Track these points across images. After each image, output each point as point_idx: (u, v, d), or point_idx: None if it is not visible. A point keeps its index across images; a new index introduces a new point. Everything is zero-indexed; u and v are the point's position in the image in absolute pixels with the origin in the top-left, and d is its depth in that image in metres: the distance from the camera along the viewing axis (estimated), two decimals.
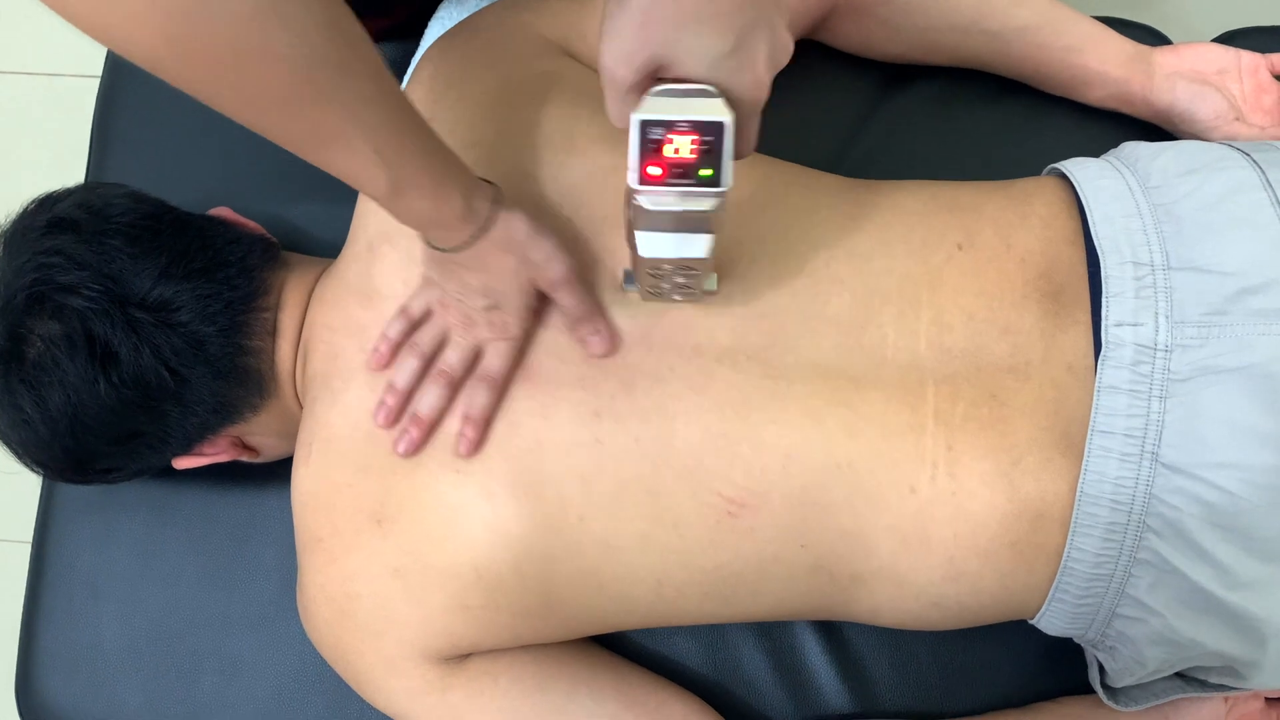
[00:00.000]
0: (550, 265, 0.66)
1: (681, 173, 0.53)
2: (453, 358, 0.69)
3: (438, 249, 0.65)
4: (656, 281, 0.63)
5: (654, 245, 0.58)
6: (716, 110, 0.53)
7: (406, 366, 0.70)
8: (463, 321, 0.69)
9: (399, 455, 0.69)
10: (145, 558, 0.90)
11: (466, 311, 0.68)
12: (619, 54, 0.53)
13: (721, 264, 0.69)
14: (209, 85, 0.49)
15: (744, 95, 0.54)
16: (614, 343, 0.68)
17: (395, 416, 0.70)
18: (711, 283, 0.67)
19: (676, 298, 0.65)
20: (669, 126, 0.53)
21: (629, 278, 0.67)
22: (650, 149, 0.53)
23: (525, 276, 0.66)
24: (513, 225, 0.65)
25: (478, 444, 0.68)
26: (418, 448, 0.69)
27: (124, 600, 0.90)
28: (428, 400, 0.69)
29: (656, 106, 0.53)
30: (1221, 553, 0.62)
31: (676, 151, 0.53)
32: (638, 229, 0.57)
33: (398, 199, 0.59)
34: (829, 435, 0.66)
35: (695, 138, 0.53)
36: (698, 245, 0.57)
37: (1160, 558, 0.64)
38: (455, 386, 0.69)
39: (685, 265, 0.59)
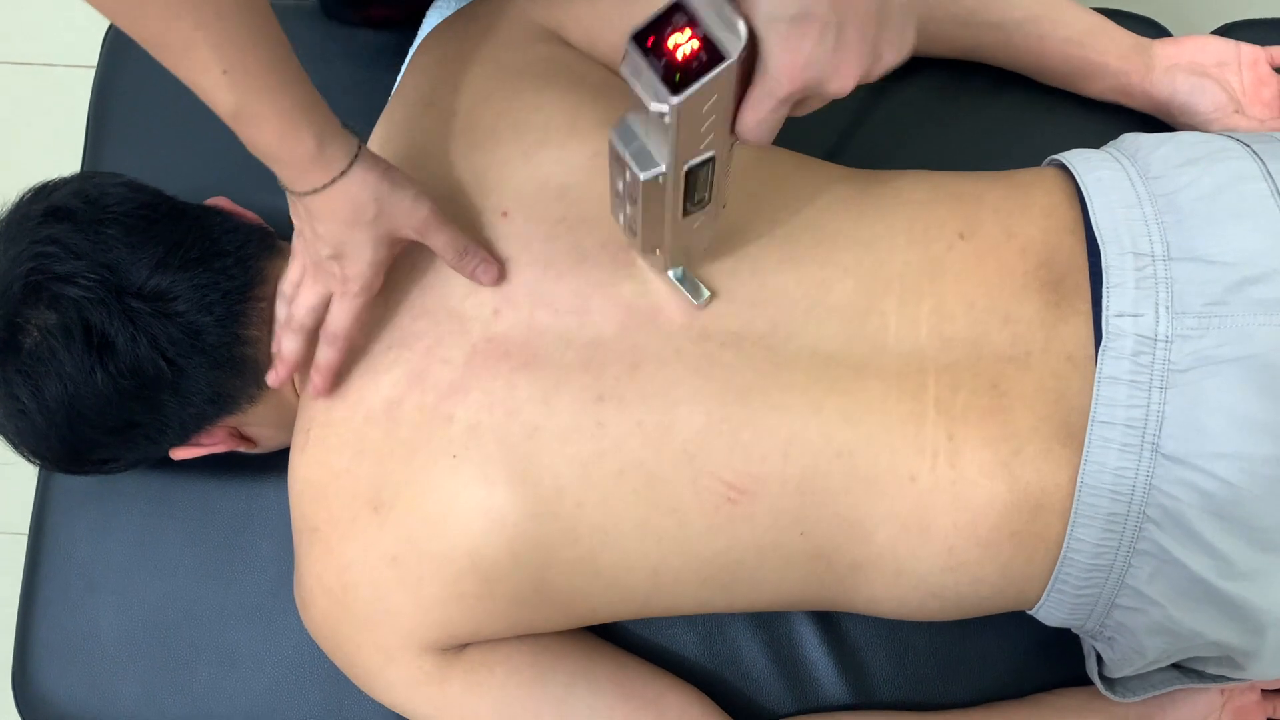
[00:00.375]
0: (415, 212, 0.66)
1: (663, 62, 0.52)
2: (300, 305, 0.71)
3: (290, 190, 0.65)
4: (616, 195, 0.62)
5: (621, 135, 0.57)
6: (733, 46, 0.52)
7: (279, 310, 0.74)
8: (312, 268, 0.70)
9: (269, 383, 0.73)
10: (142, 549, 0.90)
11: (315, 258, 0.68)
12: None
13: (724, 250, 0.69)
14: None
15: (767, 64, 0.53)
16: (501, 268, 0.70)
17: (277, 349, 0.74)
18: (701, 294, 0.67)
19: (627, 235, 0.64)
20: (693, 22, 0.52)
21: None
22: (665, 24, 0.52)
23: (384, 229, 0.66)
24: (369, 180, 0.64)
25: (323, 390, 0.71)
26: (279, 381, 0.74)
27: (121, 591, 0.89)
28: (285, 344, 0.73)
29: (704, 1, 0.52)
30: (1221, 543, 0.62)
31: (676, 45, 0.52)
32: (628, 112, 0.57)
33: (242, 126, 0.59)
34: (828, 422, 0.66)
35: (698, 46, 0.52)
36: (644, 164, 0.56)
37: (1160, 548, 0.64)
38: (305, 333, 0.72)
39: (630, 185, 0.58)
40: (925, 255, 0.69)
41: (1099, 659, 0.75)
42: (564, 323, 0.69)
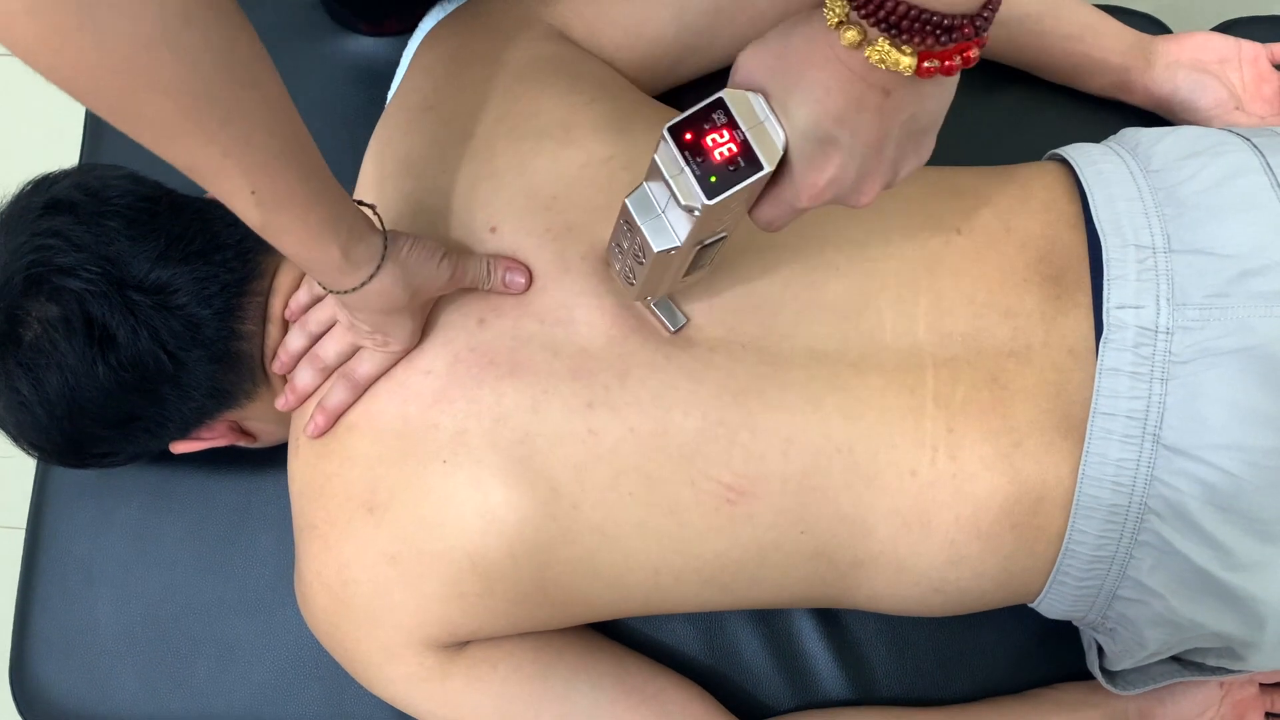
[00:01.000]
0: (440, 276, 0.67)
1: (700, 159, 0.53)
2: (329, 349, 0.72)
3: (324, 288, 0.66)
4: (616, 244, 0.62)
5: (639, 202, 0.57)
6: (770, 155, 0.53)
7: (294, 338, 0.75)
8: (347, 325, 0.70)
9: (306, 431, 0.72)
10: (141, 542, 0.90)
11: (353, 330, 0.69)
12: (749, 63, 0.53)
13: (695, 284, 0.69)
14: (92, 101, 0.49)
15: (793, 176, 0.54)
16: (524, 267, 0.70)
17: (286, 370, 0.76)
18: (678, 321, 0.68)
19: (622, 281, 0.65)
20: (732, 124, 0.53)
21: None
22: (704, 122, 0.53)
23: (417, 304, 0.67)
24: (398, 274, 0.65)
25: (322, 430, 0.71)
26: (289, 407, 0.75)
27: (119, 585, 0.89)
28: (301, 377, 0.73)
29: (741, 104, 0.53)
30: (1222, 534, 0.63)
31: (714, 144, 0.53)
32: (646, 180, 0.57)
33: (269, 237, 0.59)
34: (827, 419, 0.66)
35: (736, 150, 0.53)
36: (661, 238, 0.57)
37: (1161, 539, 0.64)
38: (327, 373, 0.72)
39: (639, 250, 0.59)
40: (922, 251, 0.69)
41: (1100, 652, 0.75)
42: (550, 332, 0.69)
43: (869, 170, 0.53)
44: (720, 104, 0.53)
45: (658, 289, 0.64)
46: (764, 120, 0.53)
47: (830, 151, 0.52)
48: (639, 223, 0.57)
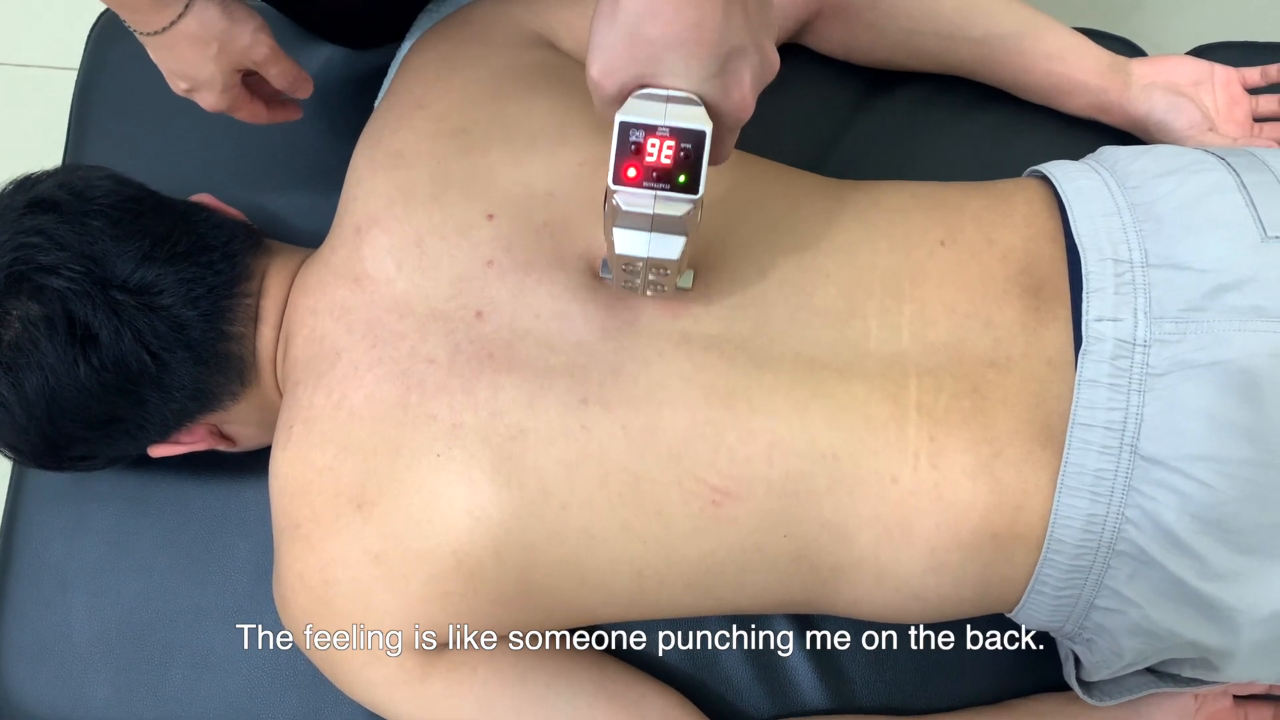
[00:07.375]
0: (256, 47, 0.75)
1: (658, 176, 0.54)
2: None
3: (136, 31, 0.72)
4: (630, 277, 0.63)
5: (628, 243, 0.58)
6: (698, 118, 0.54)
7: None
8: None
9: None
10: (116, 548, 0.89)
11: (176, 90, 0.78)
12: (605, 68, 0.53)
13: (706, 257, 0.69)
14: None
15: (728, 112, 0.55)
16: (309, 82, 0.81)
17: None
18: (686, 280, 0.68)
19: (649, 293, 0.66)
20: (650, 130, 0.53)
21: (605, 267, 0.67)
22: (630, 150, 0.54)
23: (227, 61, 0.74)
24: (207, 17, 0.71)
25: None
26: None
27: (94, 591, 0.88)
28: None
29: (639, 109, 0.54)
30: (1198, 544, 0.63)
31: (655, 156, 0.54)
32: (613, 226, 0.58)
33: None
34: (812, 425, 0.67)
35: (674, 144, 0.54)
36: (670, 247, 0.58)
37: (1139, 549, 0.65)
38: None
39: (657, 265, 0.60)
40: (907, 261, 0.70)
41: (1076, 663, 0.76)
42: (545, 327, 0.69)
43: (762, 44, 0.54)
44: (626, 126, 0.54)
45: (683, 266, 0.64)
46: (668, 101, 0.53)
47: (741, 64, 0.53)
48: (645, 257, 0.58)
